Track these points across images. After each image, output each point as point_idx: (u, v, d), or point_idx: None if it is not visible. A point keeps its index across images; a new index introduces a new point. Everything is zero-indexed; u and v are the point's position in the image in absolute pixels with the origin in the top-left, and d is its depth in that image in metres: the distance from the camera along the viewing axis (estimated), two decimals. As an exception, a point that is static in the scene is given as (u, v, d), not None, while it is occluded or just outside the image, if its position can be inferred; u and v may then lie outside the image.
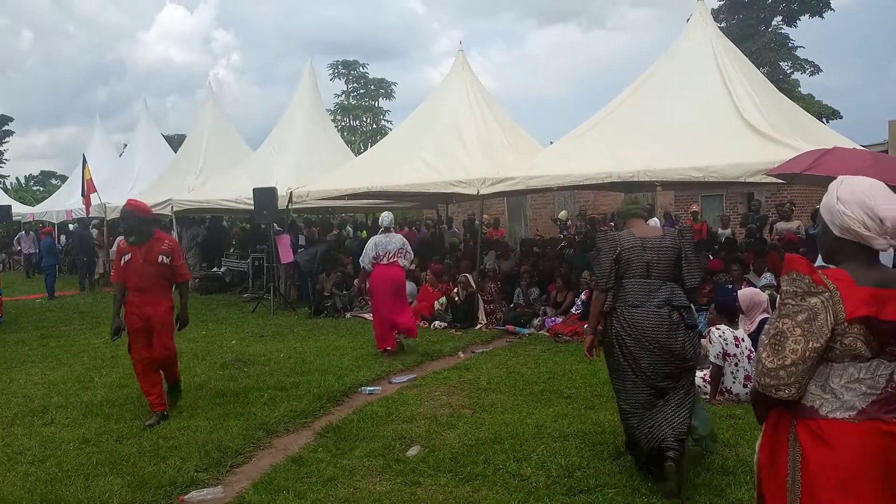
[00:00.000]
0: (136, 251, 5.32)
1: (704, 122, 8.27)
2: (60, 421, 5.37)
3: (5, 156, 47.67)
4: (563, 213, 19.20)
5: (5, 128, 47.46)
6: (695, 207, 16.63)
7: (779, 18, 29.54)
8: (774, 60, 28.32)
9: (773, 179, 7.30)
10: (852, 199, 1.96)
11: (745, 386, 5.40)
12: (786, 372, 1.90)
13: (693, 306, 4.11)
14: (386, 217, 8.11)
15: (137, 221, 5.39)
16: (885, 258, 4.07)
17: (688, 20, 10.50)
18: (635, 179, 8.30)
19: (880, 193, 1.96)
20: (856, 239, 1.95)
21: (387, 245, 7.74)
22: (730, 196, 20.10)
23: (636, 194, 4.73)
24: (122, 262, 5.38)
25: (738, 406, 5.27)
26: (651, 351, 3.83)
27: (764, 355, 1.95)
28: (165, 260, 5.32)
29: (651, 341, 3.82)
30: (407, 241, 8.03)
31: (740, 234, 13.32)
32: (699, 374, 5.72)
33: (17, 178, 40.18)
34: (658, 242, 4.00)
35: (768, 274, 8.28)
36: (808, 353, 1.88)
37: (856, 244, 1.96)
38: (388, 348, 7.67)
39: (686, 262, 3.98)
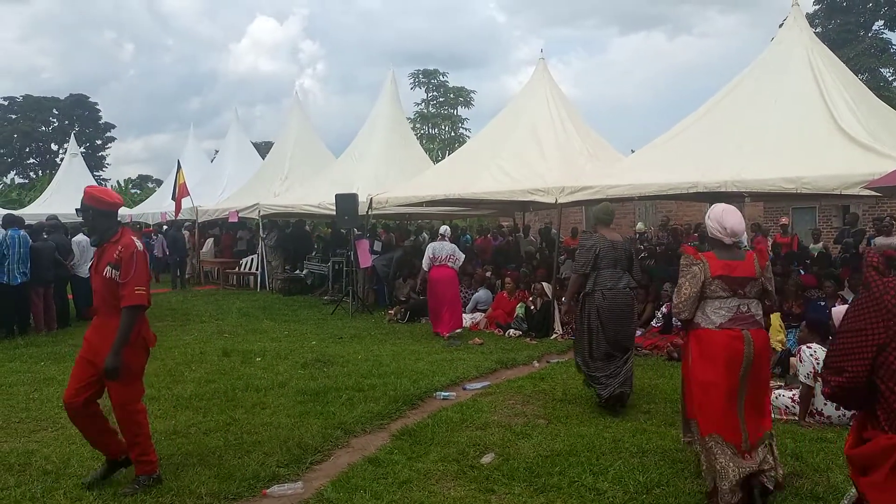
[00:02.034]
0: (96, 256, 4.07)
1: (797, 131, 7.92)
2: (153, 412, 5.61)
3: (107, 160, 50.87)
4: (639, 226, 18.82)
5: (108, 134, 50.64)
6: (784, 220, 15.92)
7: (880, 23, 28.00)
8: (874, 67, 26.85)
9: (872, 192, 6.91)
10: (714, 219, 3.78)
11: (837, 408, 5.12)
12: (682, 304, 3.76)
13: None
14: (443, 228, 10.09)
15: (93, 215, 3.99)
16: None
17: (781, 25, 10.10)
18: (722, 190, 8.03)
19: (728, 214, 3.75)
20: (717, 238, 3.78)
21: (440, 250, 9.55)
22: (823, 209, 19.16)
23: (610, 204, 6.43)
24: None
25: (830, 429, 5.02)
26: (619, 317, 5.64)
27: (674, 297, 3.82)
28: (112, 273, 3.85)
29: (620, 311, 5.64)
30: (457, 248, 9.80)
31: (834, 250, 12.67)
32: (787, 394, 5.49)
33: (117, 182, 42.55)
34: (621, 245, 5.81)
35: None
36: (691, 294, 3.72)
37: (718, 240, 3.78)
38: (442, 333, 9.25)
39: (635, 260, 5.97)
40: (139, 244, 3.98)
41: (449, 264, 9.49)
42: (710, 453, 3.59)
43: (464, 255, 10.02)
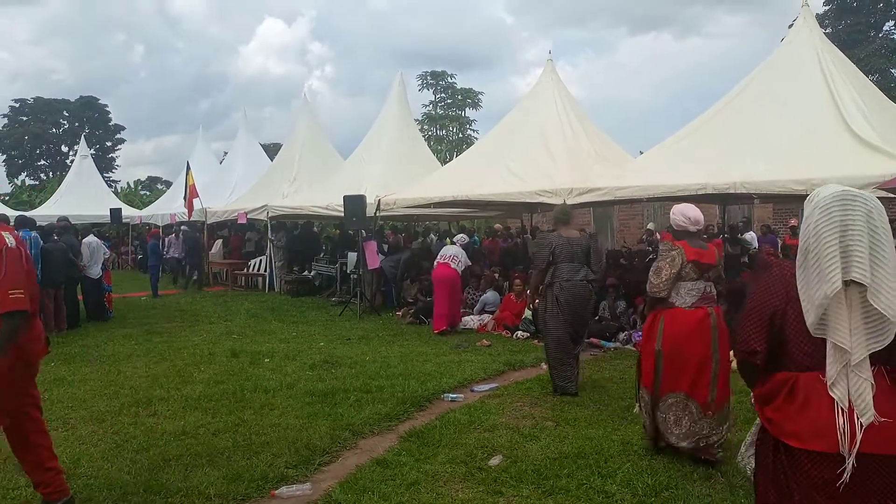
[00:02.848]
0: None
1: (807, 132, 7.89)
2: (163, 413, 5.68)
3: (117, 162, 51.18)
4: (650, 225, 18.81)
5: (118, 136, 50.95)
6: (793, 222, 15.85)
7: (891, 23, 27.82)
8: (885, 67, 26.67)
9: (884, 193, 6.86)
10: (678, 212, 4.56)
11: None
12: (662, 284, 4.38)
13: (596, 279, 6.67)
14: (458, 236, 11.29)
15: None
16: None
17: (790, 26, 10.06)
18: (731, 191, 8.01)
19: (689, 207, 4.57)
20: (684, 228, 4.52)
21: (445, 251, 10.44)
22: (833, 210, 19.02)
23: (567, 205, 7.32)
24: None
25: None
26: (576, 306, 6.27)
27: (653, 278, 4.44)
28: None
29: (577, 300, 6.27)
30: (462, 252, 10.39)
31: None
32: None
33: (127, 183, 42.82)
34: (578, 241, 6.40)
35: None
36: (670, 275, 4.37)
37: (685, 231, 4.52)
38: (443, 329, 9.73)
39: (594, 255, 6.44)
40: (10, 240, 3.40)
41: (451, 264, 10.03)
42: (677, 417, 4.39)
43: (467, 260, 10.44)
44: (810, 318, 2.08)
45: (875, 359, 2.05)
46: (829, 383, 2.06)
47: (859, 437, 2.00)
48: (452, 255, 10.21)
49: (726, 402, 4.43)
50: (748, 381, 2.35)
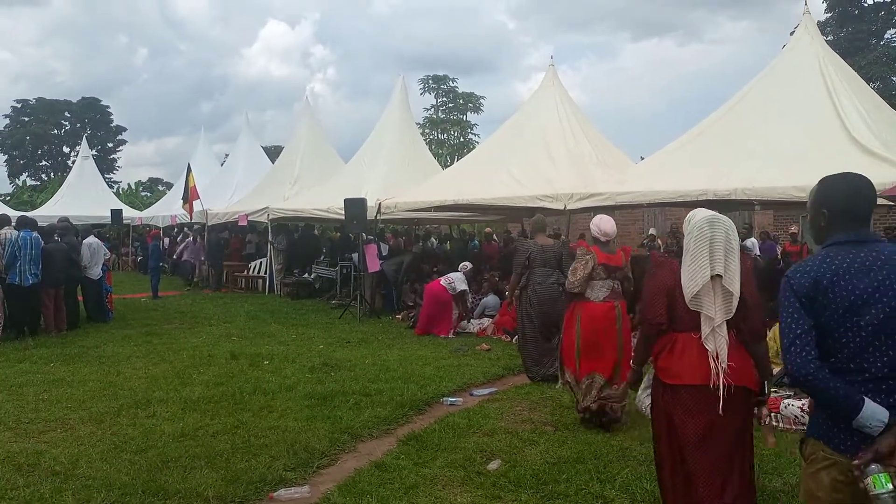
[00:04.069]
0: None
1: (808, 139, 7.90)
2: (161, 414, 5.68)
3: (118, 163, 51.19)
4: (652, 231, 18.84)
5: (119, 137, 51.00)
6: (794, 229, 15.88)
7: (892, 31, 27.86)
8: (886, 75, 26.71)
9: (884, 201, 6.87)
10: (595, 223, 5.38)
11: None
12: (577, 282, 5.26)
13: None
14: (463, 264, 11.11)
15: None
16: None
17: (792, 33, 10.08)
18: (732, 198, 8.01)
19: (604, 220, 5.37)
20: (597, 237, 5.35)
21: (452, 274, 10.75)
22: (834, 217, 19.04)
23: (542, 216, 7.86)
24: None
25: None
26: (547, 307, 6.93)
27: (570, 276, 5.34)
28: None
29: (548, 301, 6.93)
30: (462, 279, 10.35)
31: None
32: (797, 403, 5.45)
33: (128, 184, 42.75)
34: (551, 248, 7.14)
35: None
36: (584, 275, 5.24)
37: (597, 239, 5.35)
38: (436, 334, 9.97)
39: (565, 260, 6.81)
40: None
41: (442, 281, 10.29)
42: (588, 388, 5.25)
43: (464, 286, 10.36)
44: (688, 297, 3.09)
45: (729, 325, 3.07)
46: (703, 339, 3.07)
47: (722, 375, 3.00)
48: (450, 276, 10.37)
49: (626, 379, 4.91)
50: (651, 347, 3.32)
